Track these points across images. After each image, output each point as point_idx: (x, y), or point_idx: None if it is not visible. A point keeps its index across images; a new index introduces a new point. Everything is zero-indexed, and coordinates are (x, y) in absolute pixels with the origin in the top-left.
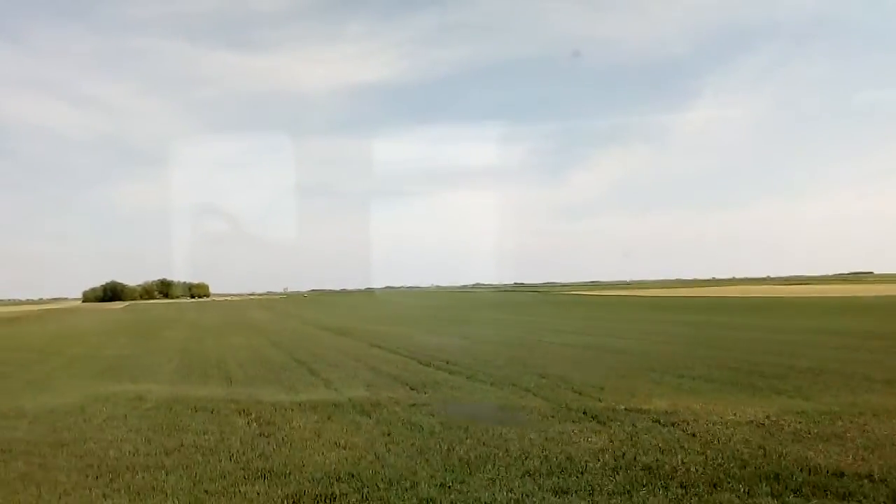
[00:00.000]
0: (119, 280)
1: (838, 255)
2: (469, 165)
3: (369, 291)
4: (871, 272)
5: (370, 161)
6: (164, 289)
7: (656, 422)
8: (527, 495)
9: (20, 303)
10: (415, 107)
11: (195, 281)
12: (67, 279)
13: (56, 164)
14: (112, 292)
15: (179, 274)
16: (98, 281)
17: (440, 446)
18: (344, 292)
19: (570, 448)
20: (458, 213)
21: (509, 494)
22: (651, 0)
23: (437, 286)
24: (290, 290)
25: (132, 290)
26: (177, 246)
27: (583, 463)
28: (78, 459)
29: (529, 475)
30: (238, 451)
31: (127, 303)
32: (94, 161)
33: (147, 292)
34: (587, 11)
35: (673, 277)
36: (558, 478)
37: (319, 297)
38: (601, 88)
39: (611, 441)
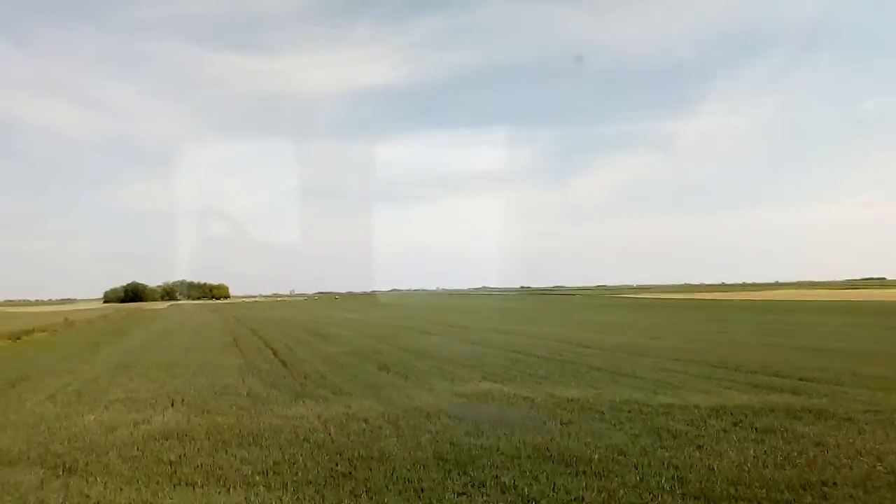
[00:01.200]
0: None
1: (841, 261)
2: (474, 169)
3: (373, 294)
4: (883, 278)
5: (375, 165)
6: (186, 290)
7: None
8: None
9: (29, 303)
10: (420, 111)
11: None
12: (68, 280)
13: (62, 164)
14: (133, 293)
15: (184, 275)
16: (99, 281)
17: None
18: (350, 294)
19: None
20: (462, 217)
21: None
22: (656, 6)
23: (443, 289)
24: (296, 291)
25: (153, 290)
26: (182, 247)
27: None
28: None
29: None
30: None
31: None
32: (101, 162)
33: (168, 293)
34: (592, 17)
35: (680, 282)
36: None
37: (357, 299)
38: (606, 93)
39: None
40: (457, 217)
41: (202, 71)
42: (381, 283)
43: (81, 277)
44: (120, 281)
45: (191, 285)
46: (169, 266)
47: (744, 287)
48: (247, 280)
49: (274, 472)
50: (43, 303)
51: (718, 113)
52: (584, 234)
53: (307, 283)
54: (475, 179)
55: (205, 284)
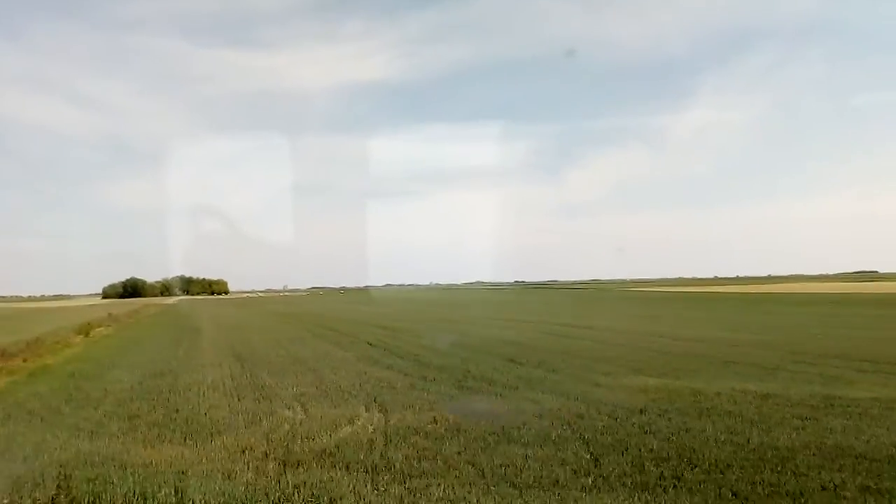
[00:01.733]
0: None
1: (833, 255)
2: (468, 165)
3: (367, 290)
4: (875, 271)
5: (368, 160)
6: (185, 285)
7: None
8: None
9: (22, 299)
10: (413, 106)
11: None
12: (61, 277)
13: (55, 162)
14: (132, 289)
15: (178, 272)
16: (92, 277)
17: None
18: (345, 290)
19: None
20: (456, 212)
21: None
22: (650, 2)
23: (437, 284)
24: (289, 287)
25: (152, 286)
26: (175, 244)
27: None
28: None
29: None
30: None
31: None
32: (93, 159)
33: (166, 289)
34: (586, 12)
35: (673, 276)
36: None
37: (359, 294)
38: (600, 89)
39: None
40: (451, 212)
41: (195, 67)
42: (375, 278)
43: (75, 274)
44: (114, 277)
45: (190, 281)
46: (162, 263)
47: (737, 281)
48: (241, 276)
49: (585, 474)
50: (36, 299)
51: (711, 108)
52: (577, 228)
53: (301, 278)
54: (470, 174)
55: (204, 280)
